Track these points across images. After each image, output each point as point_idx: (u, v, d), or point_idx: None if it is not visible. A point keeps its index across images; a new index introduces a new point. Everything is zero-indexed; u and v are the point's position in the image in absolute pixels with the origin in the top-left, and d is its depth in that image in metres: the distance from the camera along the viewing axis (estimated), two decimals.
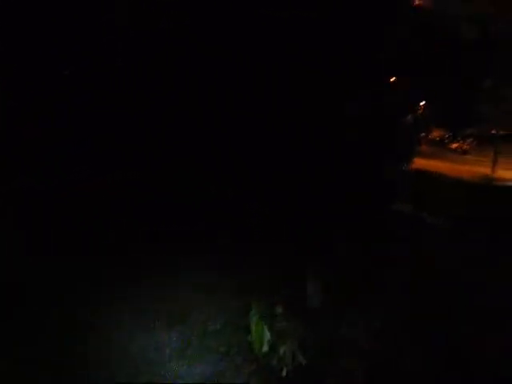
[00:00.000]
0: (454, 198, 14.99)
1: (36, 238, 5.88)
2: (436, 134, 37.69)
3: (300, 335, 4.51)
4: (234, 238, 6.33)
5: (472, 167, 24.35)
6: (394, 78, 15.45)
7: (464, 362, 4.93)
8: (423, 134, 34.17)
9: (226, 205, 6.87)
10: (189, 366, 4.64)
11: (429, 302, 6.06)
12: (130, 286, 5.59)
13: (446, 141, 35.60)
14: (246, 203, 6.95)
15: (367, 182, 9.91)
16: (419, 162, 18.98)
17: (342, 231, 7.80)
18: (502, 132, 32.26)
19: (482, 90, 22.90)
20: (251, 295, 5.03)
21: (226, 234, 6.51)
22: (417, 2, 16.95)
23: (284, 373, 4.30)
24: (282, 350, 4.36)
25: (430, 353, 4.90)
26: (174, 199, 6.71)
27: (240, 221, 6.69)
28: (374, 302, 5.09)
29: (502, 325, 5.75)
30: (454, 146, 34.19)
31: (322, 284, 4.80)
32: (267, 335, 4.52)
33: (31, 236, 5.88)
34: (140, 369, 4.51)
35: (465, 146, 33.50)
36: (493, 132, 33.05)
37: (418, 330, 5.23)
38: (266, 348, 4.51)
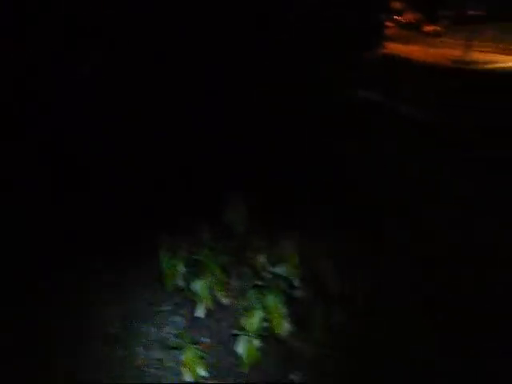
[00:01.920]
0: (425, 86, 14.12)
1: None
2: (410, 16, 35.89)
3: (223, 265, 3.59)
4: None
5: (447, 50, 23.06)
6: None
7: None
8: (395, 16, 32.49)
9: None
10: None
11: None
12: None
13: (420, 24, 33.93)
14: None
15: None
16: (390, 47, 17.77)
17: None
18: (480, 13, 30.76)
19: None
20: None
21: None
22: None
23: (200, 313, 3.43)
24: (197, 286, 3.45)
25: None
26: None
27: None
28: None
29: None
30: (428, 28, 32.57)
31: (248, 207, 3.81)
32: (181, 269, 3.59)
33: None
34: None
35: (439, 29, 31.91)
36: (470, 13, 31.45)
37: None
38: (180, 282, 3.60)
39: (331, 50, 10.86)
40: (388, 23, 23.01)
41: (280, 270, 3.10)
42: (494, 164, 7.00)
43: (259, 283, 3.19)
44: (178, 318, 3.57)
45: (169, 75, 6.87)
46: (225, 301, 3.46)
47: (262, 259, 3.30)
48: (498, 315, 3.72)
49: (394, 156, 7.49)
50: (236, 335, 3.00)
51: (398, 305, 3.75)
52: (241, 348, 2.95)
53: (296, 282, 3.13)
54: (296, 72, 8.41)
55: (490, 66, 18.36)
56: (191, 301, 3.56)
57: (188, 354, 3.03)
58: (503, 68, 18.09)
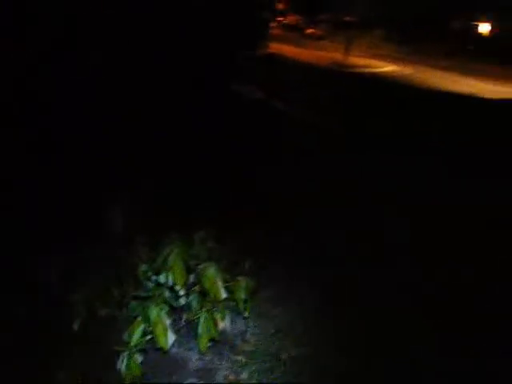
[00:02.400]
0: (303, 83, 14.70)
1: None
2: (292, 18, 37.08)
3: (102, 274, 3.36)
4: None
5: (327, 53, 24.13)
6: None
7: None
8: (279, 18, 33.37)
9: None
10: None
11: None
12: None
13: (301, 26, 35.19)
14: None
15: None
16: (274, 47, 18.21)
17: None
18: (354, 19, 32.53)
19: None
20: None
21: None
22: None
23: (76, 327, 3.16)
24: (72, 297, 3.19)
25: None
26: None
27: None
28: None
29: None
30: (309, 31, 33.88)
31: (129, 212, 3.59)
32: (55, 278, 3.30)
33: None
34: None
35: (319, 32, 33.33)
36: (346, 19, 33.17)
37: None
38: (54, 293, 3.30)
39: (218, 46, 10.84)
40: (272, 24, 23.54)
41: (163, 278, 2.93)
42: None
43: (141, 294, 3.00)
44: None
45: None
46: (104, 313, 3.22)
47: (144, 267, 3.11)
48: (498, 315, 3.85)
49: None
50: (116, 351, 2.80)
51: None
52: (122, 364, 2.75)
53: (181, 291, 2.99)
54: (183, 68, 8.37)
55: (366, 70, 19.51)
56: (67, 313, 3.28)
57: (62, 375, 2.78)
58: (377, 72, 19.30)
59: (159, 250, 3.06)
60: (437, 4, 28.28)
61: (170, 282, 2.93)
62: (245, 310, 3.38)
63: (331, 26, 34.59)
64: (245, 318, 3.57)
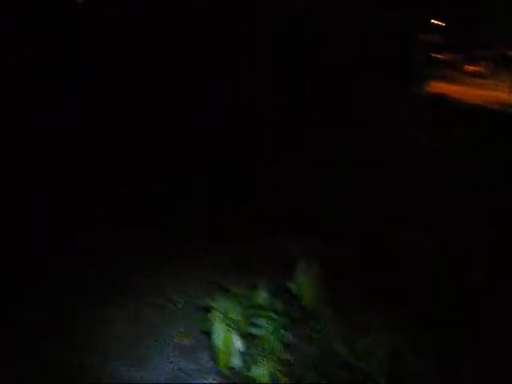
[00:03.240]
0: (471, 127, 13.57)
1: None
2: (448, 55, 35.39)
3: (286, 343, 3.06)
4: None
5: (490, 92, 22.38)
6: None
7: None
8: (437, 55, 32.15)
9: None
10: None
11: None
12: None
13: (459, 63, 33.43)
14: None
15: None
16: (433, 85, 17.37)
17: None
18: None
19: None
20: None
21: None
22: None
23: None
24: (258, 371, 2.92)
25: None
26: None
27: None
28: None
29: None
30: (468, 68, 32.04)
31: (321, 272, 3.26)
32: (237, 344, 3.06)
33: None
34: None
35: (479, 69, 31.36)
36: (510, 53, 30.86)
37: None
38: (237, 362, 3.06)
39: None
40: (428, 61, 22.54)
41: (366, 367, 2.55)
42: None
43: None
44: None
45: None
46: None
47: (337, 345, 2.76)
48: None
49: None
50: None
51: None
52: None
53: (382, 381, 2.58)
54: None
55: None
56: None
57: None
58: None
59: (358, 325, 2.70)
60: None
61: (371, 370, 2.55)
62: None
63: (491, 63, 32.43)
64: None
